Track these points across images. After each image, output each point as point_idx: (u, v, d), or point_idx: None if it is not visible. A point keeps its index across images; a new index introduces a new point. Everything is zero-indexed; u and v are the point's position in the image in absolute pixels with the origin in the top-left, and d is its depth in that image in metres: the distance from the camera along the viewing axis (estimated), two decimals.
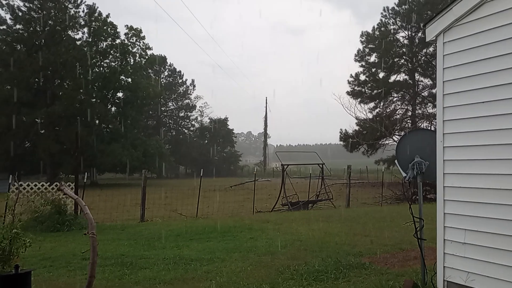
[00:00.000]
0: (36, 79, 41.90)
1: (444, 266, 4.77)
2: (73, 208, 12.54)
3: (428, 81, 40.28)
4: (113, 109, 50.99)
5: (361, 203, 20.83)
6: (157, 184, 38.33)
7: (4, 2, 40.66)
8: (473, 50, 4.55)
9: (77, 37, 45.07)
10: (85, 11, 44.46)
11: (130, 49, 49.23)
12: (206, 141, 76.83)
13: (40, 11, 42.06)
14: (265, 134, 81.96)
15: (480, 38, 4.48)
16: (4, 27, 41.01)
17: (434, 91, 35.48)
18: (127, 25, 49.53)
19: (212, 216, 15.89)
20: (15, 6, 41.20)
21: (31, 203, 12.13)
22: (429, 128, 34.53)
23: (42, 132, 43.42)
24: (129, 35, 49.22)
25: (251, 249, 8.29)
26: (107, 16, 45.67)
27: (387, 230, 10.37)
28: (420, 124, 39.03)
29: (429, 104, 39.76)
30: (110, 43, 46.52)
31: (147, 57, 52.63)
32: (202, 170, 18.73)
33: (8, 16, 41.14)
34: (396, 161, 5.84)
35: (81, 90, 41.64)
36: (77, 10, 44.15)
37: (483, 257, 4.37)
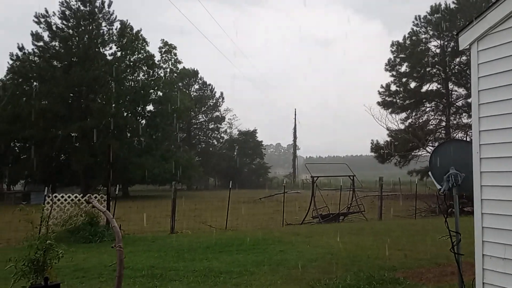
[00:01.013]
0: (71, 94, 43.25)
1: (483, 283, 4.56)
2: (105, 219, 12.75)
3: (463, 90, 39.29)
4: (143, 122, 51.97)
5: (394, 216, 20.35)
6: (187, 196, 38.64)
7: (42, 20, 42.28)
8: (510, 58, 4.39)
9: (109, 52, 46.32)
10: (118, 27, 45.71)
11: (162, 64, 50.21)
12: (235, 153, 77.12)
13: (76, 29, 43.54)
14: (295, 146, 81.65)
15: None
16: (41, 43, 42.59)
17: (469, 100, 34.59)
18: (162, 39, 50.53)
19: (241, 228, 15.85)
20: (53, 23, 42.80)
21: (66, 214, 12.42)
22: (464, 138, 33.59)
23: (76, 145, 44.68)
24: (163, 50, 50.20)
25: (281, 262, 8.19)
26: (139, 31, 46.76)
27: (421, 244, 10.07)
28: (454, 134, 38.01)
29: (463, 114, 38.74)
30: (141, 57, 47.58)
31: (178, 71, 53.50)
32: (231, 182, 18.74)
33: (46, 34, 42.75)
34: (430, 172, 5.67)
35: (113, 104, 42.65)
36: (111, 27, 45.46)
37: None
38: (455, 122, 39.52)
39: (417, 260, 8.10)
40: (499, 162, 4.46)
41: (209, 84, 79.46)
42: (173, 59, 51.08)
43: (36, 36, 42.12)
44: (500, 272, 4.38)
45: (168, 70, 51.23)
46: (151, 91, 49.14)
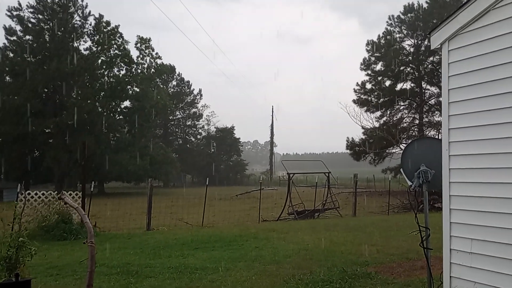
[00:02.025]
0: (45, 89, 42.36)
1: (450, 276, 4.72)
2: (79, 217, 12.58)
3: (435, 89, 40.14)
4: (120, 118, 51.31)
5: (368, 212, 20.71)
6: (163, 193, 38.39)
7: (14, 14, 41.26)
8: (478, 58, 4.53)
9: (84, 47, 45.53)
10: (92, 22, 44.96)
11: (140, 59, 49.60)
12: (212, 150, 76.96)
13: (49, 22, 42.61)
14: (272, 143, 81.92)
15: (485, 45, 4.46)
16: (15, 38, 41.57)
17: (440, 99, 35.35)
18: (138, 35, 50.08)
19: (217, 225, 15.87)
20: (25, 17, 41.81)
21: (38, 212, 12.20)
22: (436, 136, 34.36)
23: (50, 141, 43.79)
24: (139, 45, 49.60)
25: (257, 258, 8.26)
26: (116, 26, 46.04)
27: (393, 239, 10.30)
28: (427, 132, 38.85)
29: (436, 112, 39.59)
30: (117, 53, 46.88)
31: (157, 67, 52.93)
32: (208, 179, 18.74)
33: (18, 28, 41.74)
34: (401, 169, 5.82)
35: (89, 100, 41.97)
36: (85, 21, 44.67)
37: (490, 267, 4.32)
38: (427, 120, 40.37)
39: (389, 255, 8.29)
40: (467, 159, 4.61)
41: (187, 81, 79.12)
42: (151, 54, 50.40)
43: (8, 31, 41.10)
44: (466, 266, 4.54)
45: (146, 66, 50.53)
46: (128, 87, 48.52)
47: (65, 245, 10.68)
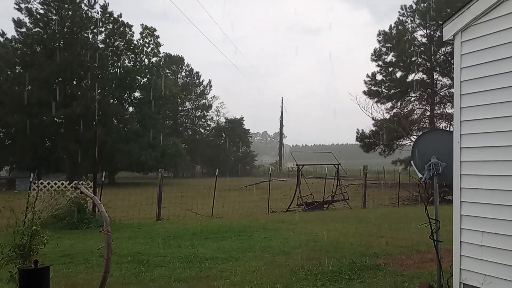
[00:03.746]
0: (56, 80, 42.63)
1: (460, 269, 4.71)
2: (91, 206, 12.73)
3: (447, 80, 39.69)
4: (130, 109, 51.53)
5: (377, 204, 20.66)
6: (174, 183, 38.61)
7: (23, 6, 41.47)
8: (492, 49, 4.48)
9: (92, 37, 45.57)
10: (99, 11, 44.97)
11: (145, 49, 49.57)
12: (222, 141, 77.16)
13: (57, 13, 42.77)
14: (281, 134, 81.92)
15: (498, 37, 4.40)
16: (24, 30, 41.82)
17: (452, 90, 34.96)
18: (142, 24, 49.91)
19: (227, 216, 15.96)
20: (34, 9, 41.99)
21: (52, 200, 12.37)
22: (447, 128, 34.05)
23: (61, 131, 44.19)
24: (144, 35, 49.54)
25: (266, 249, 8.31)
26: (119, 16, 45.95)
27: (403, 231, 10.28)
28: (438, 124, 38.51)
29: (448, 104, 39.19)
30: (124, 43, 46.93)
31: (160, 55, 52.78)
32: (217, 169, 18.79)
33: (27, 19, 41.96)
34: (412, 161, 5.79)
35: (99, 90, 42.18)
36: (92, 10, 44.71)
37: (500, 259, 4.30)
38: (439, 112, 40.01)
39: (398, 247, 8.29)
40: (479, 151, 4.58)
41: (196, 72, 79.11)
42: (154, 42, 50.22)
43: (18, 23, 41.35)
44: (477, 258, 4.53)
45: (151, 54, 50.44)
46: (137, 77, 48.63)
47: (77, 234, 10.83)
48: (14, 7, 41.36)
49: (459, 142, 4.77)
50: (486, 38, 4.54)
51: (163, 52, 54.37)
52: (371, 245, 8.49)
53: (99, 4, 44.84)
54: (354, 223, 11.92)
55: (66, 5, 42.83)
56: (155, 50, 50.87)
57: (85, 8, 44.30)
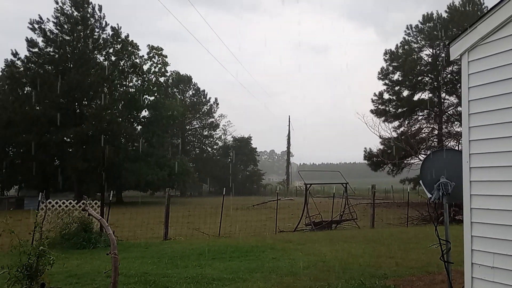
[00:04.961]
0: (66, 100, 43.16)
1: None
2: (98, 226, 12.73)
3: (454, 99, 39.65)
4: (138, 128, 51.91)
5: (386, 224, 20.44)
6: (181, 202, 38.54)
7: (36, 26, 42.30)
8: (499, 69, 4.48)
9: (102, 58, 46.33)
10: (110, 33, 45.79)
11: (153, 68, 50.29)
12: (229, 160, 77.24)
13: (70, 35, 43.57)
14: (288, 153, 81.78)
15: (506, 56, 4.41)
16: (36, 49, 42.57)
17: (460, 109, 34.88)
18: (148, 45, 50.69)
19: (234, 235, 15.85)
20: (47, 29, 42.81)
21: (59, 220, 12.39)
22: (456, 147, 33.82)
23: (70, 150, 44.51)
24: (151, 55, 50.30)
25: (273, 270, 8.22)
26: (126, 36, 46.68)
27: (413, 252, 10.14)
28: (447, 143, 38.27)
29: (456, 122, 39.05)
30: (132, 62, 47.64)
31: (167, 74, 53.45)
32: (224, 188, 18.77)
33: (40, 39, 42.74)
34: (420, 181, 5.75)
35: (108, 110, 42.61)
36: (104, 32, 45.52)
37: None
38: (447, 130, 39.82)
39: (408, 268, 8.16)
40: (489, 171, 4.54)
41: (203, 90, 79.69)
42: (161, 62, 50.97)
43: (31, 43, 42.13)
44: (488, 280, 4.44)
45: (158, 74, 51.15)
46: (145, 96, 49.18)
47: (84, 254, 10.80)
48: (28, 27, 42.18)
49: (468, 162, 4.74)
50: (493, 57, 4.55)
51: (172, 71, 55.01)
52: (380, 266, 8.37)
53: (111, 26, 45.65)
54: (363, 243, 11.78)
55: (79, 27, 43.66)
56: (163, 70, 51.55)
57: (97, 31, 45.13)
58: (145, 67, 49.52)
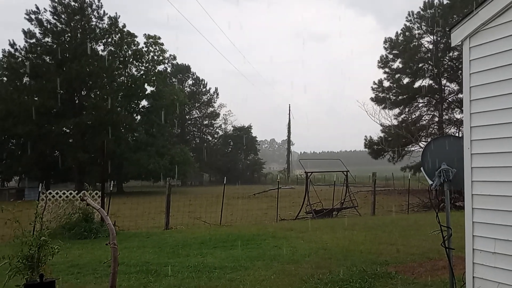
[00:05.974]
0: (65, 90, 43.02)
1: (473, 277, 4.63)
2: (100, 216, 12.74)
3: (455, 86, 39.49)
4: (138, 117, 51.83)
5: (387, 211, 20.49)
6: (182, 192, 38.65)
7: (33, 17, 42.00)
8: (501, 54, 4.42)
9: (100, 48, 46.11)
10: (108, 22, 45.47)
11: (151, 57, 49.99)
12: (229, 149, 77.22)
13: (67, 24, 43.28)
14: (289, 141, 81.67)
15: (508, 42, 4.35)
16: (34, 40, 42.31)
17: (461, 96, 34.76)
18: (145, 34, 50.35)
19: (235, 224, 15.90)
20: (44, 20, 42.48)
21: (60, 211, 12.40)
22: (457, 134, 33.80)
23: (70, 141, 44.51)
24: (148, 43, 49.98)
25: (275, 258, 8.25)
26: (123, 26, 46.34)
27: (414, 238, 10.17)
28: (447, 130, 38.23)
29: (456, 109, 38.96)
30: (130, 52, 47.39)
31: (165, 61, 53.16)
32: (225, 177, 18.77)
33: (37, 30, 42.46)
34: (422, 168, 5.73)
35: (108, 100, 42.51)
36: (101, 21, 45.22)
37: None
38: (447, 117, 39.75)
39: (409, 254, 8.19)
40: (490, 157, 4.52)
41: (202, 80, 79.39)
42: (159, 50, 50.60)
43: (28, 34, 41.85)
44: (490, 266, 4.44)
45: (157, 62, 50.83)
46: (145, 85, 49.02)
47: (86, 244, 10.83)
48: (25, 18, 41.88)
49: (469, 148, 4.71)
50: (495, 43, 4.49)
51: (170, 55, 54.53)
52: (381, 253, 8.40)
53: (109, 16, 45.33)
54: (364, 231, 11.81)
55: (76, 17, 43.35)
56: (161, 58, 51.26)
57: (95, 20, 44.85)
58: (144, 55, 49.27)
